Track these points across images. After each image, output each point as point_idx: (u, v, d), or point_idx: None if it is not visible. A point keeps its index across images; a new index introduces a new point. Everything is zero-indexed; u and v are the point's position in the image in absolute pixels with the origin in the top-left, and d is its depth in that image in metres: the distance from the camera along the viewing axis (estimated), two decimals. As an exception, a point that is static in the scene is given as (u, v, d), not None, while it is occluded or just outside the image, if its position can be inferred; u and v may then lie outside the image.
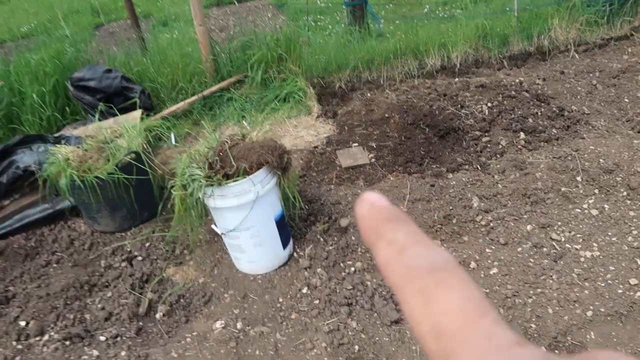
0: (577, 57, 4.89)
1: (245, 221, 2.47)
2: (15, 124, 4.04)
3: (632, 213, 2.79)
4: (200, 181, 2.40)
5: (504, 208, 2.93)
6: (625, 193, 2.93)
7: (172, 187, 2.51)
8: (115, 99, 3.95)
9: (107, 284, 2.74)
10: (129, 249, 2.98)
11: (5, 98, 3.88)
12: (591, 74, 4.43)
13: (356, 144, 3.77)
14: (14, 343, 2.47)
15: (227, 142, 2.62)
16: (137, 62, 4.40)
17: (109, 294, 2.65)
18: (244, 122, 4.21)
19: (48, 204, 3.40)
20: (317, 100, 4.39)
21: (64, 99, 4.05)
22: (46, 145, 3.51)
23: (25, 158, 3.29)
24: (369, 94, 4.62)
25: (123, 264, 2.85)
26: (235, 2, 9.17)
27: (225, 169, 2.47)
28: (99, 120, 3.76)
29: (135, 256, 2.91)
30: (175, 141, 4.03)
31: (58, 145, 3.08)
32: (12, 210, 3.24)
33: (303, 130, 4.04)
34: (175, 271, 2.81)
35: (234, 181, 2.37)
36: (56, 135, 3.73)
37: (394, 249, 0.25)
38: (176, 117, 4.22)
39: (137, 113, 3.76)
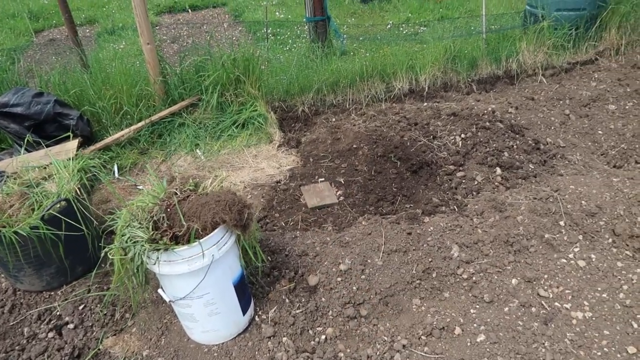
0: (544, 81, 4.77)
1: (198, 288, 2.09)
2: None
3: (619, 264, 2.60)
4: (143, 245, 2.00)
5: (486, 258, 2.68)
6: (610, 240, 2.75)
7: (107, 250, 2.09)
8: (48, 126, 3.45)
9: (29, 361, 2.28)
10: (58, 313, 2.53)
11: None
12: (561, 101, 4.31)
13: (322, 179, 3.45)
14: None
15: (176, 193, 2.23)
16: (75, 82, 3.89)
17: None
18: (197, 151, 3.80)
19: (-38, 254, 2.88)
20: (279, 127, 4.04)
21: (-14, 126, 3.50)
22: (-39, 183, 3.00)
23: None
24: (334, 119, 4.31)
25: (50, 334, 2.39)
26: (189, 10, 8.67)
27: (173, 228, 2.08)
28: (27, 151, 3.27)
29: (66, 323, 2.46)
30: (119, 174, 3.58)
31: (-28, 189, 2.58)
32: None
33: (264, 162, 3.68)
34: (115, 341, 2.38)
35: (184, 245, 1.99)
36: (-25, 169, 3.21)
37: None
38: (120, 146, 3.75)
39: (73, 144, 3.29)
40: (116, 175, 3.56)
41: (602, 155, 3.57)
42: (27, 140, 3.21)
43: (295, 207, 3.19)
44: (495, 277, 2.58)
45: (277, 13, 8.02)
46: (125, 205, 2.25)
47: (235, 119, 3.97)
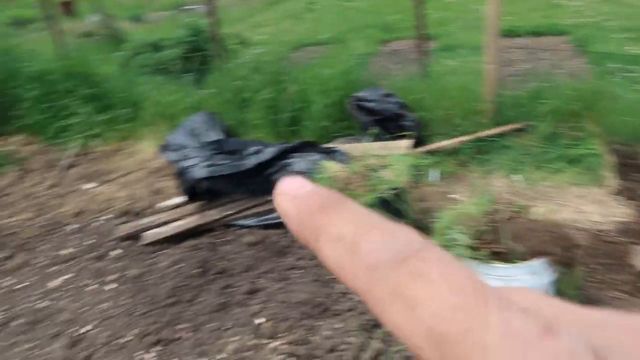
0: None
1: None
2: (296, 125, 4.45)
3: None
4: (463, 250, 2.09)
5: None
6: None
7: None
8: (389, 124, 3.95)
9: (338, 312, 2.69)
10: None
11: (296, 103, 4.30)
12: None
13: (661, 243, 2.91)
14: (246, 337, 2.63)
15: (501, 211, 2.25)
16: (415, 89, 4.33)
17: (338, 326, 2.59)
18: (516, 176, 3.72)
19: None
20: (616, 172, 3.59)
21: (341, 113, 4.25)
22: (316, 155, 3.71)
23: (299, 164, 3.53)
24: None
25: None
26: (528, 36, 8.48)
27: (491, 244, 2.11)
28: (370, 141, 3.81)
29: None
30: (438, 179, 3.82)
31: (325, 162, 3.17)
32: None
33: (589, 205, 3.33)
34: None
35: (506, 263, 2.00)
36: (327, 146, 3.93)
37: (345, 248, 0.19)
38: (442, 154, 3.99)
39: (405, 143, 3.67)
40: (434, 178, 3.80)
41: None
42: (371, 132, 3.74)
43: (618, 266, 2.78)
44: None
45: (626, 47, 7.08)
46: (448, 209, 2.39)
47: (565, 153, 3.71)
